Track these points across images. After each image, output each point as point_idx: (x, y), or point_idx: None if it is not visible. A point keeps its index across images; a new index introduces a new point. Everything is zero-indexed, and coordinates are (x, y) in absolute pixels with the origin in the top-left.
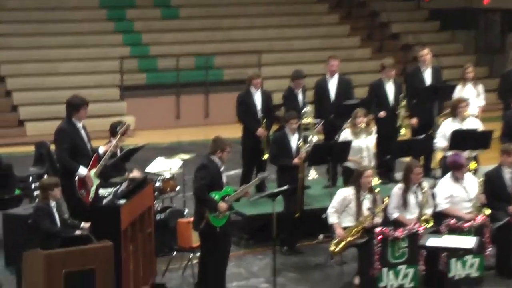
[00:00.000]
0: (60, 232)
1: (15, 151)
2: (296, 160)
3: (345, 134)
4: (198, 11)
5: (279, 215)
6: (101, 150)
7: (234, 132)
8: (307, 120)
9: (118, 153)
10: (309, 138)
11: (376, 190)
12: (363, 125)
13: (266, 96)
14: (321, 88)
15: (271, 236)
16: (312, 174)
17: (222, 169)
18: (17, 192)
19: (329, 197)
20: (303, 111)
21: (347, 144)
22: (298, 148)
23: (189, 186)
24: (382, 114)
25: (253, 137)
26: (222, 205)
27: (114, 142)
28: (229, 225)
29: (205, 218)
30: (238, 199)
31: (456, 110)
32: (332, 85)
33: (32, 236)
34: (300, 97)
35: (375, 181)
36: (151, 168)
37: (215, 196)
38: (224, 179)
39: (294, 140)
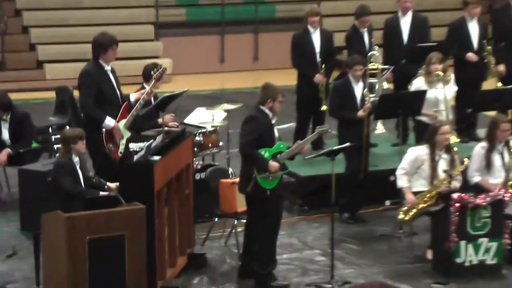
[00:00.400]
0: (84, 192)
1: (32, 97)
2: (360, 113)
3: (418, 83)
4: None
5: (339, 176)
6: (132, 97)
7: (287, 79)
8: (374, 65)
9: (152, 102)
10: (376, 87)
11: (454, 149)
12: (439, 72)
13: (326, 37)
14: (392, 28)
15: (329, 201)
16: (379, 129)
17: (273, 121)
18: (34, 145)
19: (398, 156)
20: (369, 54)
21: (420, 95)
22: (363, 99)
23: (234, 142)
24: (471, 56)
25: (310, 85)
26: (273, 164)
27: (147, 88)
28: (281, 188)
29: (253, 179)
30: (292, 157)
31: None
32: (405, 24)
33: (52, 196)
34: (366, 38)
35: (453, 138)
36: (190, 120)
37: (265, 153)
38: (276, 133)
39: (358, 89)
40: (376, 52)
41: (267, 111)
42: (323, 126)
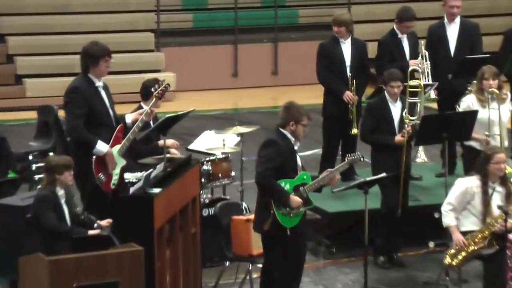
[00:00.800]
0: (70, 231)
1: (10, 118)
2: (398, 138)
3: (468, 102)
4: None
5: (374, 213)
6: (129, 119)
7: (312, 96)
8: (416, 81)
9: (152, 124)
10: (418, 107)
11: (511, 181)
12: (494, 89)
13: (358, 47)
14: (436, 37)
15: (362, 242)
16: (421, 157)
17: (296, 148)
18: (11, 174)
19: (444, 189)
20: (410, 68)
21: (470, 116)
22: (402, 121)
23: (249, 171)
24: None
25: (338, 103)
26: (295, 199)
27: (146, 108)
28: (304, 226)
29: (271, 216)
30: (318, 189)
31: None
32: (452, 32)
33: (32, 235)
34: (406, 47)
35: (510, 168)
36: (196, 145)
37: (286, 185)
38: (299, 162)
39: (396, 110)
40: (418, 65)
41: (289, 136)
42: (354, 154)
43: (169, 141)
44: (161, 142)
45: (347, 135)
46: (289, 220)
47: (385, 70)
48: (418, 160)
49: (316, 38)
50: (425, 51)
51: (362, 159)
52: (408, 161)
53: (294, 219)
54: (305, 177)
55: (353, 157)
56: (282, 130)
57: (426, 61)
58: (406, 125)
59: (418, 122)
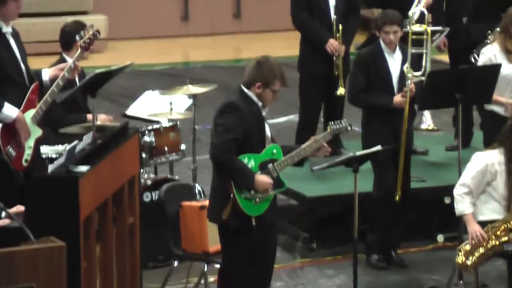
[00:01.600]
0: None
1: None
2: (398, 98)
3: (490, 54)
4: None
5: (366, 198)
6: (46, 75)
7: (285, 46)
8: (420, 26)
9: (77, 82)
10: (423, 60)
11: None
12: None
13: None
14: None
15: (350, 235)
16: (427, 124)
17: (264, 113)
18: None
19: (457, 167)
20: (411, 11)
21: (493, 71)
22: (402, 77)
23: (204, 144)
24: None
25: (320, 55)
26: (262, 179)
27: (70, 61)
28: (274, 215)
29: (231, 201)
30: (300, 162)
31: None
32: None
33: None
34: None
35: None
36: (135, 110)
37: (250, 161)
38: (268, 132)
39: (395, 63)
40: (423, 7)
41: (254, 98)
42: (339, 122)
43: (101, 117)
44: (89, 116)
45: (331, 96)
46: (254, 207)
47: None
48: (423, 127)
49: None
50: None
51: (349, 128)
52: (410, 130)
53: (261, 206)
54: (274, 151)
55: (337, 126)
56: (246, 90)
57: None
58: (408, 83)
59: (424, 78)
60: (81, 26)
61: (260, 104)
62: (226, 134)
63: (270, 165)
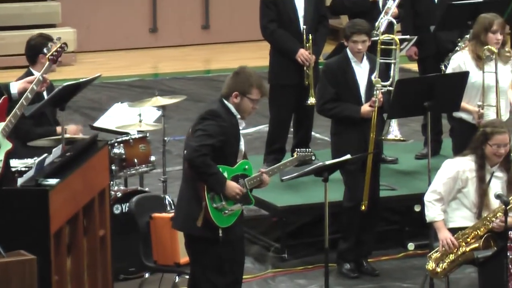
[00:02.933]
0: None
1: None
2: (366, 108)
3: (459, 61)
4: None
5: (336, 207)
6: (14, 88)
7: (255, 57)
8: (389, 35)
9: (45, 95)
10: (391, 69)
11: None
12: (493, 45)
13: None
14: None
15: (321, 244)
16: (394, 133)
17: (241, 127)
18: None
19: (426, 174)
20: (380, 20)
21: (461, 79)
22: (370, 87)
23: (175, 155)
24: None
25: (290, 65)
26: (233, 185)
27: (37, 74)
28: (241, 229)
29: (203, 209)
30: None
31: None
32: None
33: None
34: None
35: None
36: (105, 122)
37: (223, 173)
38: (242, 146)
39: (363, 72)
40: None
41: (233, 109)
42: (305, 151)
43: (71, 128)
44: (58, 129)
45: (301, 106)
46: (223, 219)
47: (343, 7)
48: (389, 137)
49: None
50: None
51: (313, 157)
52: (378, 139)
53: (229, 219)
54: (246, 167)
55: (303, 154)
56: (225, 101)
57: None
58: (376, 92)
59: (392, 88)
60: (46, 39)
61: (238, 116)
62: (205, 138)
63: (241, 180)
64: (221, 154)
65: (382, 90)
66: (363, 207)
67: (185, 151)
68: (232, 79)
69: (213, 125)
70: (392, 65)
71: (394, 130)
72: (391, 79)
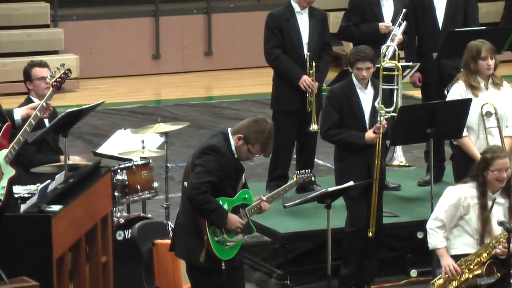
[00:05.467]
0: None
1: None
2: (370, 135)
3: (459, 89)
4: None
5: (339, 234)
6: (18, 115)
7: (258, 83)
8: (392, 62)
9: (47, 122)
10: (395, 95)
11: None
12: (486, 72)
13: (319, 20)
14: (420, 5)
15: (324, 271)
16: (399, 160)
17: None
18: None
19: (429, 201)
20: (385, 46)
21: (462, 106)
22: (374, 113)
23: (177, 182)
24: None
25: (293, 92)
26: (234, 218)
27: (41, 101)
28: (242, 257)
29: (205, 243)
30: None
31: None
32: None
33: None
34: (388, 9)
35: None
36: (107, 148)
37: (224, 204)
38: (243, 178)
39: (367, 98)
40: (396, 40)
41: (232, 147)
42: (304, 172)
43: (74, 159)
44: (61, 158)
45: (304, 132)
46: (225, 251)
47: (351, 35)
48: (394, 163)
49: (263, 7)
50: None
51: (313, 178)
52: (382, 166)
53: (231, 251)
54: (246, 196)
55: (302, 176)
56: (230, 136)
57: (399, 26)
58: (379, 119)
59: (395, 114)
60: (30, 66)
61: (236, 155)
62: (204, 175)
63: (241, 210)
64: (221, 186)
65: (386, 116)
66: (370, 234)
67: (184, 183)
68: (248, 121)
69: (212, 161)
70: (395, 91)
71: (399, 156)
72: (394, 105)
